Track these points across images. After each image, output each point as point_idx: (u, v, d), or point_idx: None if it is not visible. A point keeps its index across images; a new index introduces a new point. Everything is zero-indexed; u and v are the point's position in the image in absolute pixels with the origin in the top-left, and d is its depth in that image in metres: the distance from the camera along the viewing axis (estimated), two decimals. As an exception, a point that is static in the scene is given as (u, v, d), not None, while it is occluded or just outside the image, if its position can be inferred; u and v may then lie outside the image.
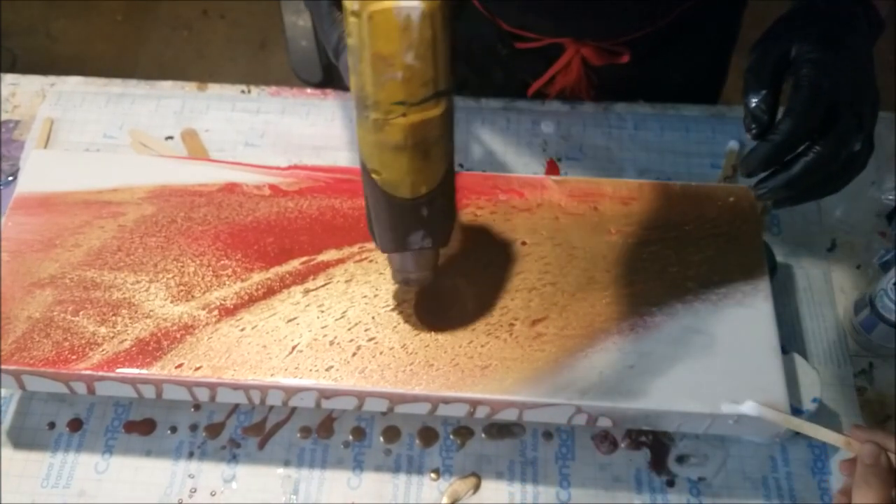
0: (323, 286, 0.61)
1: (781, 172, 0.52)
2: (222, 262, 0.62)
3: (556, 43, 0.76)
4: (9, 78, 0.83)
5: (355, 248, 0.63)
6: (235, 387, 0.57)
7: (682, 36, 0.78)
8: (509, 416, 0.58)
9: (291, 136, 0.79)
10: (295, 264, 0.62)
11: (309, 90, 0.82)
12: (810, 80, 0.51)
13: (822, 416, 0.64)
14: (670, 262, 0.62)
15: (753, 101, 0.52)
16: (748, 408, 0.55)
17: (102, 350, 0.57)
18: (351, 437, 0.64)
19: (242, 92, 0.82)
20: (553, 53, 0.77)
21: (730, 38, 0.86)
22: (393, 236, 0.52)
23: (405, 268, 0.55)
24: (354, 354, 0.58)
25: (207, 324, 0.59)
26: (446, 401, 0.57)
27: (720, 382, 0.56)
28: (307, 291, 0.60)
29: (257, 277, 0.61)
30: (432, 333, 0.58)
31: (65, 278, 0.61)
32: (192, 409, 0.65)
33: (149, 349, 0.58)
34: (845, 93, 0.51)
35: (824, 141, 0.51)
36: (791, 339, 0.67)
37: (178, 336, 0.58)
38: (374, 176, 0.49)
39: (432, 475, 0.62)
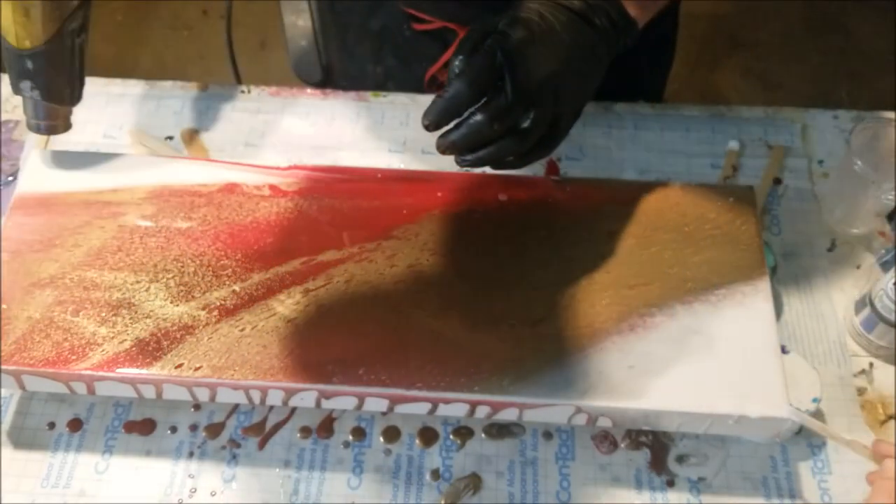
0: (323, 286, 0.61)
1: (452, 131, 0.54)
2: (222, 262, 0.62)
3: (449, 28, 0.76)
4: (9, 78, 0.83)
5: (355, 249, 0.63)
6: (235, 387, 0.57)
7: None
8: (509, 416, 0.58)
9: (291, 136, 0.79)
10: (295, 264, 0.62)
11: (309, 90, 0.82)
12: (487, 48, 0.54)
13: (823, 416, 0.64)
14: (670, 263, 0.62)
15: (453, 64, 0.54)
16: (787, 412, 0.55)
17: (102, 350, 0.57)
18: (351, 437, 0.64)
19: (242, 92, 0.82)
20: (450, 38, 0.77)
21: (663, 41, 0.86)
22: (11, 80, 0.64)
23: (26, 112, 0.66)
24: (354, 354, 0.58)
25: (207, 324, 0.59)
26: (446, 401, 0.57)
27: (720, 383, 0.56)
28: (307, 292, 0.60)
29: (257, 277, 0.61)
30: (432, 333, 0.58)
31: (65, 278, 0.61)
32: (192, 409, 0.65)
33: (149, 349, 0.58)
34: (513, 68, 0.53)
35: (482, 107, 0.53)
36: (791, 339, 0.67)
37: (178, 336, 0.58)
38: None
39: (432, 475, 0.62)
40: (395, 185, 0.66)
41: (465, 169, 0.62)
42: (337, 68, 0.95)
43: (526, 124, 0.55)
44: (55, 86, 0.64)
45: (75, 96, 0.66)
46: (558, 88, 0.55)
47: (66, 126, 0.68)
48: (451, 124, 0.54)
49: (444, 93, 0.53)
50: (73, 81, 0.66)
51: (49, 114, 0.66)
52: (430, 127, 0.54)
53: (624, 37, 0.60)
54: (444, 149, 0.55)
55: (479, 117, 0.53)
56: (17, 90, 0.64)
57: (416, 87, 0.82)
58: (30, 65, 0.62)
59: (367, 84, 0.83)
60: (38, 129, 0.66)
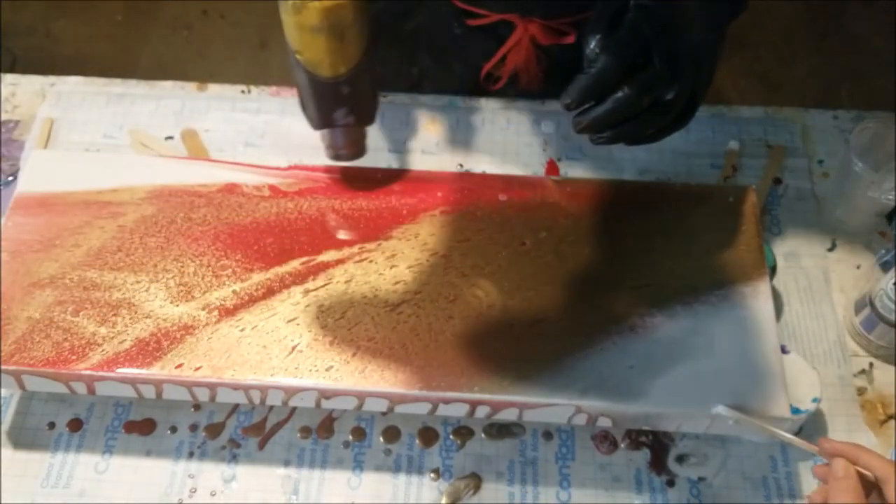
0: (323, 286, 0.61)
1: (593, 107, 0.53)
2: (222, 262, 0.62)
3: (506, 21, 0.76)
4: (9, 78, 0.83)
5: (355, 249, 0.63)
6: (235, 387, 0.57)
7: None
8: (509, 416, 0.58)
9: (291, 136, 0.79)
10: (295, 265, 0.62)
11: (309, 90, 0.82)
12: (631, 21, 0.53)
13: (823, 416, 0.64)
14: (670, 264, 0.62)
15: (590, 45, 0.54)
16: (721, 409, 0.55)
17: (102, 350, 0.57)
18: (351, 437, 0.64)
19: (242, 92, 0.82)
20: (504, 33, 0.77)
21: None
22: (319, 114, 0.61)
23: (336, 144, 0.63)
24: (354, 354, 0.58)
25: (207, 324, 0.59)
26: (446, 401, 0.57)
27: (720, 383, 0.56)
28: (307, 292, 0.60)
29: (257, 278, 0.61)
30: (432, 333, 0.59)
31: (65, 278, 0.61)
32: (192, 409, 0.65)
33: (149, 349, 0.58)
34: (661, 40, 0.53)
35: (631, 81, 0.52)
36: (791, 339, 0.67)
37: (178, 336, 0.58)
38: (297, 56, 0.58)
39: (432, 475, 0.62)
40: (395, 185, 0.66)
41: (598, 146, 0.59)
42: None
43: (670, 96, 0.54)
44: (367, 106, 0.63)
45: (375, 114, 0.65)
46: (700, 58, 0.55)
47: (365, 149, 0.66)
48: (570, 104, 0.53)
49: (588, 70, 0.52)
50: (376, 97, 0.64)
51: (356, 139, 0.64)
52: (571, 105, 0.53)
53: (738, 5, 0.59)
54: (584, 126, 0.54)
55: (627, 91, 0.52)
56: (326, 123, 0.62)
57: (458, 86, 0.81)
58: (346, 90, 0.60)
59: (398, 86, 0.83)
60: (343, 158, 0.65)
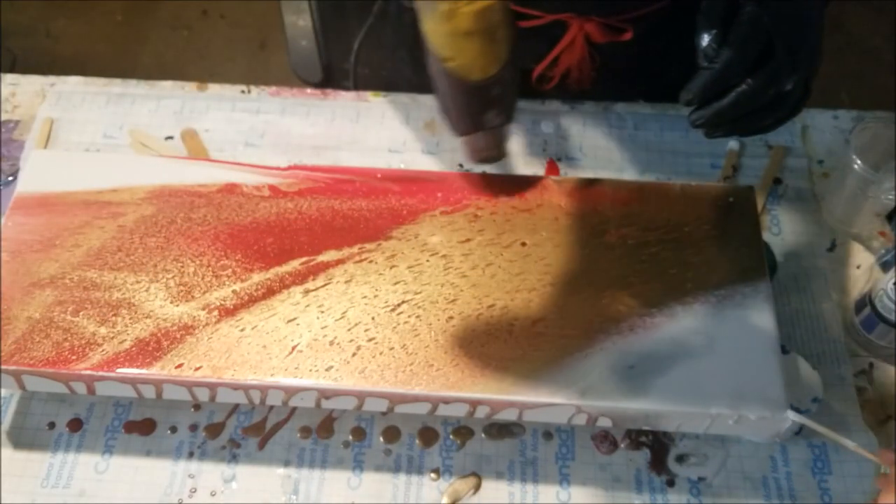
0: (323, 286, 0.61)
1: (714, 102, 0.53)
2: (222, 262, 0.62)
3: (559, 21, 0.76)
4: (9, 78, 0.83)
5: (355, 249, 0.63)
6: (235, 387, 0.57)
7: (681, 20, 0.78)
8: (509, 416, 0.58)
9: (291, 136, 0.79)
10: (295, 265, 0.62)
11: (309, 90, 0.82)
12: (751, 15, 0.53)
13: (822, 416, 0.64)
14: (670, 263, 0.62)
15: (705, 40, 0.53)
16: (790, 415, 0.55)
17: (102, 350, 0.57)
18: (351, 437, 0.64)
19: (242, 92, 0.82)
20: (557, 33, 0.77)
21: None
22: (469, 118, 0.59)
23: (482, 147, 0.62)
24: (354, 355, 0.58)
25: (207, 324, 0.59)
26: (446, 401, 0.57)
27: (720, 383, 0.56)
28: (307, 292, 0.60)
29: (257, 278, 0.61)
30: (432, 333, 0.59)
31: (65, 278, 0.61)
32: (192, 409, 0.65)
33: (149, 349, 0.58)
34: (784, 32, 0.53)
35: (756, 74, 0.52)
36: (791, 339, 0.67)
37: (178, 336, 0.58)
38: (447, 64, 0.56)
39: (432, 475, 0.62)
40: (395, 185, 0.66)
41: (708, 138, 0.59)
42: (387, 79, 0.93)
43: (789, 87, 0.54)
44: (513, 104, 0.61)
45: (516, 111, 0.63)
46: (816, 47, 0.55)
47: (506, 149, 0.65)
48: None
49: (710, 65, 0.52)
50: (517, 93, 0.62)
51: (501, 139, 0.63)
52: (692, 101, 0.53)
53: None
54: (704, 122, 0.54)
55: (752, 85, 0.52)
56: (475, 127, 0.60)
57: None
58: (496, 91, 0.58)
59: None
60: (490, 160, 0.63)
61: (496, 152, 0.63)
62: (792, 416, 0.55)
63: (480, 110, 0.59)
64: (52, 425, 0.64)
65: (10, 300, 0.60)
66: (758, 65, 0.53)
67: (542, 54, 0.78)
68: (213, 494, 0.61)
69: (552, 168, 0.77)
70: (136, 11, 1.93)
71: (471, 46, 0.54)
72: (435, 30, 0.54)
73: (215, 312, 0.59)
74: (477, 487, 0.62)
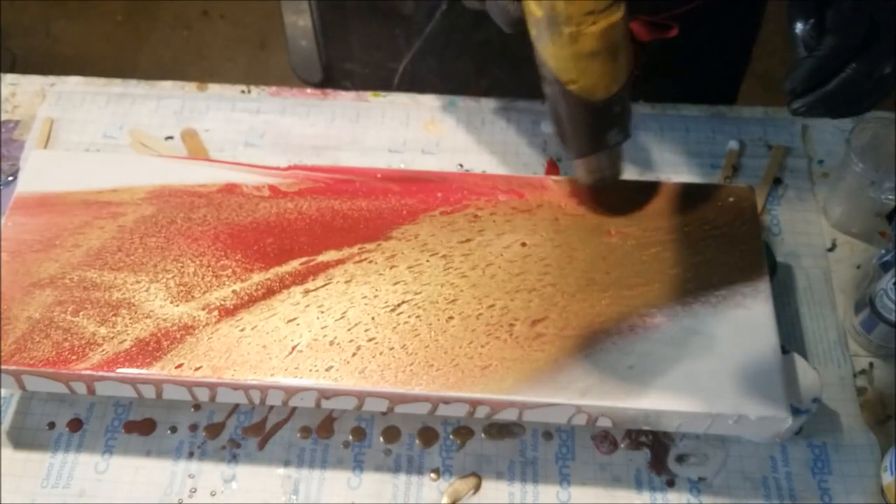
0: (323, 287, 0.61)
1: (818, 89, 0.53)
2: (222, 262, 0.62)
3: None
4: (9, 78, 0.83)
5: (355, 249, 0.63)
6: (235, 387, 0.57)
7: (717, 15, 0.78)
8: (509, 416, 0.58)
9: (291, 136, 0.79)
10: (294, 265, 0.62)
11: (309, 90, 0.82)
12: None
13: (822, 416, 0.64)
14: (670, 264, 0.62)
15: (801, 28, 0.54)
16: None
17: (102, 350, 0.57)
18: (351, 437, 0.64)
19: (242, 92, 0.82)
20: None
21: (752, 31, 0.86)
22: (591, 139, 0.59)
23: (601, 167, 0.61)
24: (354, 355, 0.58)
25: (207, 324, 0.59)
26: (446, 401, 0.57)
27: (720, 383, 0.56)
28: (307, 292, 0.60)
29: (257, 278, 0.61)
30: (432, 333, 0.59)
31: (65, 278, 0.61)
32: (192, 409, 0.65)
33: (149, 349, 0.58)
34: (885, 14, 0.53)
35: (861, 59, 0.52)
36: (791, 339, 0.67)
37: (178, 336, 0.58)
38: (570, 87, 0.55)
39: (432, 475, 0.62)
40: (395, 185, 0.66)
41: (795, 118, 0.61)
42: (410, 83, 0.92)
43: (888, 70, 0.54)
44: (631, 121, 0.60)
45: None
46: None
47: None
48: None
49: (813, 52, 0.52)
50: (631, 107, 0.61)
51: (618, 158, 0.62)
52: (797, 89, 0.53)
53: None
54: (807, 109, 0.54)
55: (856, 70, 0.52)
56: (597, 146, 0.59)
57: (530, 93, 0.80)
58: (617, 109, 0.57)
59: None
60: (609, 180, 0.62)
61: (614, 171, 0.62)
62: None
63: (602, 130, 0.58)
64: (52, 425, 0.64)
65: (10, 300, 0.60)
66: (859, 50, 0.52)
67: None
68: (213, 494, 0.61)
69: (552, 168, 0.77)
70: (136, 11, 1.93)
71: (595, 67, 0.54)
72: (557, 53, 0.54)
73: (215, 312, 0.59)
74: (477, 487, 0.62)
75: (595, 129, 0.58)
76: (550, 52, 0.54)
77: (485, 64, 0.83)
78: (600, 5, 0.52)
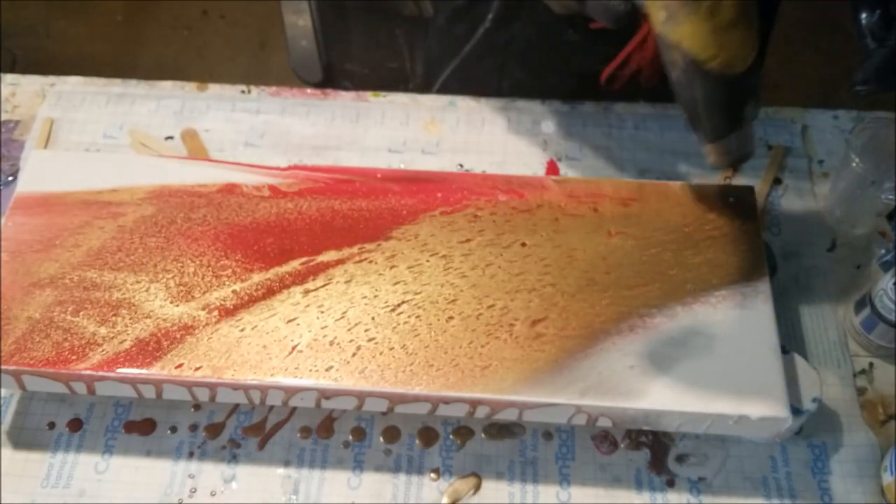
0: (323, 287, 0.61)
1: (891, 79, 0.53)
2: (222, 262, 0.62)
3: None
4: (9, 78, 0.83)
5: (355, 249, 0.63)
6: (235, 387, 0.57)
7: None
8: (509, 416, 0.58)
9: (291, 136, 0.79)
10: (294, 265, 0.62)
11: (309, 90, 0.83)
12: None
13: (822, 416, 0.64)
14: (670, 264, 0.62)
15: (867, 20, 0.53)
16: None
17: (102, 350, 0.57)
18: (351, 437, 0.64)
19: (242, 92, 0.82)
20: (626, 33, 0.76)
21: (767, 30, 0.86)
22: (731, 115, 0.57)
23: (737, 146, 0.58)
24: (354, 355, 0.58)
25: (207, 324, 0.59)
26: (446, 401, 0.57)
27: (720, 383, 0.56)
28: (307, 292, 0.60)
29: (257, 278, 0.61)
30: (432, 333, 0.59)
31: (65, 278, 0.61)
32: (192, 409, 0.65)
33: (149, 349, 0.58)
34: None
35: None
36: (791, 339, 0.67)
37: (178, 336, 0.58)
38: (710, 64, 0.54)
39: (432, 475, 0.62)
40: (395, 185, 0.66)
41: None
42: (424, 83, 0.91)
43: None
44: (761, 92, 0.58)
45: None
46: None
47: None
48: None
49: (884, 44, 0.52)
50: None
51: (752, 135, 0.59)
52: (869, 82, 0.53)
53: None
54: (872, 96, 0.54)
55: None
56: (737, 122, 0.57)
57: (552, 93, 0.81)
58: (753, 80, 0.56)
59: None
60: (745, 159, 0.60)
61: (749, 148, 0.59)
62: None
63: (741, 105, 0.57)
64: (52, 425, 0.64)
65: (10, 300, 0.60)
66: None
67: (611, 56, 0.78)
68: (213, 494, 0.61)
69: (552, 168, 0.77)
70: (136, 11, 1.93)
71: (734, 37, 0.53)
72: (696, 31, 0.52)
73: (215, 312, 0.59)
74: (477, 487, 0.62)
75: (733, 105, 0.56)
76: (687, 31, 0.53)
77: (507, 65, 0.83)
78: None
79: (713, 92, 0.56)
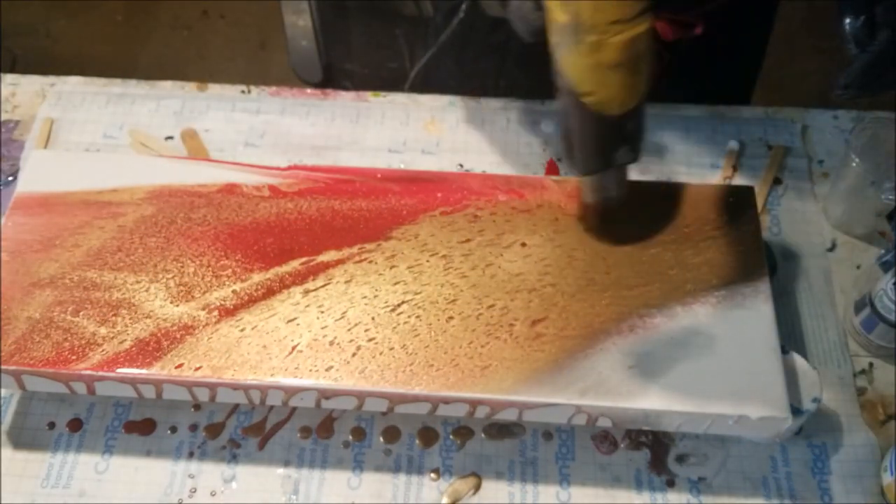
0: (323, 287, 0.61)
1: (873, 84, 0.53)
2: (222, 262, 0.62)
3: None
4: (9, 78, 0.83)
5: (355, 249, 0.63)
6: (235, 387, 0.57)
7: (748, 13, 0.78)
8: (509, 416, 0.58)
9: (291, 136, 0.79)
10: (294, 265, 0.62)
11: (309, 90, 0.83)
12: None
13: (822, 416, 0.64)
14: (670, 265, 0.62)
15: (852, 25, 0.53)
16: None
17: (102, 350, 0.57)
18: (351, 437, 0.64)
19: (242, 92, 0.82)
20: None
21: (766, 31, 0.86)
22: (599, 156, 0.56)
23: (606, 186, 0.59)
24: (354, 355, 0.58)
25: (207, 324, 0.59)
26: (446, 401, 0.57)
27: (720, 383, 0.56)
28: (307, 292, 0.60)
29: (257, 278, 0.61)
30: (432, 333, 0.59)
31: (65, 278, 0.61)
32: (192, 409, 0.65)
33: (149, 349, 0.58)
34: None
35: None
36: (791, 339, 0.67)
37: (178, 336, 0.58)
38: (586, 99, 0.53)
39: (432, 475, 0.62)
40: (395, 185, 0.66)
41: None
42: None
43: None
44: (643, 140, 0.57)
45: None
46: None
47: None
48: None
49: (867, 49, 0.52)
50: (647, 128, 0.58)
51: (624, 179, 0.59)
52: (852, 86, 0.52)
53: None
54: (854, 98, 0.53)
55: None
56: (606, 163, 0.57)
57: (551, 93, 0.80)
58: (631, 126, 0.55)
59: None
60: (614, 201, 0.59)
61: (619, 192, 0.60)
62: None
63: (613, 147, 0.56)
64: (52, 425, 0.64)
65: (10, 300, 0.60)
66: None
67: None
68: (213, 494, 0.61)
69: (552, 168, 0.77)
70: (136, 11, 1.93)
71: (614, 79, 0.52)
72: (576, 63, 0.51)
73: (215, 312, 0.59)
74: (477, 487, 0.62)
75: (605, 145, 0.56)
76: (570, 61, 0.52)
77: (505, 65, 0.83)
78: (627, 14, 0.50)
79: (585, 127, 0.55)
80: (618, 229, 0.64)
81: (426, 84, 0.88)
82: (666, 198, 0.66)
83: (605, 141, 0.56)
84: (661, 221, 0.64)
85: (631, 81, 0.52)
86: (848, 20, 0.53)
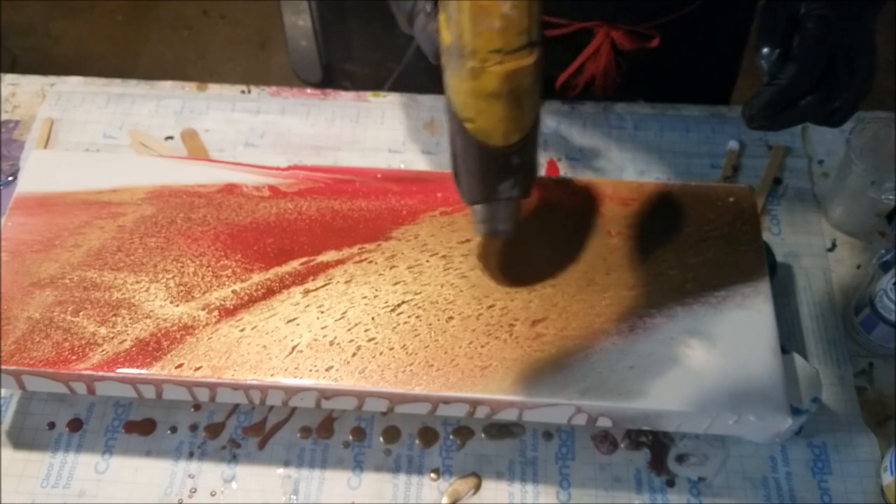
0: (322, 287, 0.61)
1: (777, 116, 0.53)
2: (222, 262, 0.62)
3: (586, 28, 0.75)
4: (9, 78, 0.83)
5: (355, 249, 0.63)
6: (235, 387, 0.57)
7: (706, 25, 0.78)
8: (509, 416, 0.58)
9: (291, 136, 0.79)
10: (294, 265, 0.62)
11: (309, 90, 0.82)
12: (816, 31, 0.52)
13: (822, 416, 0.64)
14: (670, 265, 0.62)
15: (767, 57, 0.53)
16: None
17: (102, 350, 0.57)
18: (351, 437, 0.64)
19: (242, 92, 0.82)
20: (581, 41, 0.76)
21: (743, 35, 0.86)
22: (482, 186, 0.54)
23: (492, 218, 0.56)
24: (354, 355, 0.58)
25: (207, 324, 0.59)
26: (446, 401, 0.57)
27: (720, 383, 0.56)
28: (307, 292, 0.60)
29: (257, 278, 0.61)
30: (432, 333, 0.58)
31: (65, 278, 0.61)
32: (192, 409, 0.65)
33: (149, 349, 0.58)
34: (845, 48, 0.53)
35: (818, 91, 0.52)
36: (791, 339, 0.67)
37: (178, 336, 0.58)
38: (467, 125, 0.51)
39: (432, 475, 0.62)
40: (395, 186, 0.66)
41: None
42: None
43: (836, 104, 0.54)
44: (532, 177, 0.55)
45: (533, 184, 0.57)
46: (873, 65, 0.55)
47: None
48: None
49: (775, 82, 0.52)
50: (537, 167, 0.56)
51: (515, 212, 0.56)
52: (755, 118, 0.53)
53: (882, 3, 0.59)
54: (761, 127, 0.54)
55: (813, 100, 0.53)
56: (489, 195, 0.54)
57: (547, 93, 0.80)
58: (516, 160, 0.53)
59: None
60: (501, 234, 0.57)
61: (506, 226, 0.57)
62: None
63: (496, 179, 0.54)
64: (52, 425, 0.64)
65: (10, 300, 0.60)
66: (818, 82, 0.52)
67: (567, 62, 0.78)
68: (213, 494, 0.61)
69: (552, 168, 0.77)
70: (136, 11, 1.93)
71: (495, 110, 0.50)
72: (458, 87, 0.50)
73: (215, 312, 0.59)
74: (477, 487, 0.62)
75: (489, 176, 0.53)
76: (452, 84, 0.50)
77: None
78: (510, 45, 0.47)
79: (469, 154, 0.53)
80: (617, 229, 0.64)
81: (426, 84, 0.88)
82: (666, 198, 0.66)
83: (489, 172, 0.53)
84: (662, 222, 0.64)
85: (512, 114, 0.50)
86: (765, 50, 0.54)
